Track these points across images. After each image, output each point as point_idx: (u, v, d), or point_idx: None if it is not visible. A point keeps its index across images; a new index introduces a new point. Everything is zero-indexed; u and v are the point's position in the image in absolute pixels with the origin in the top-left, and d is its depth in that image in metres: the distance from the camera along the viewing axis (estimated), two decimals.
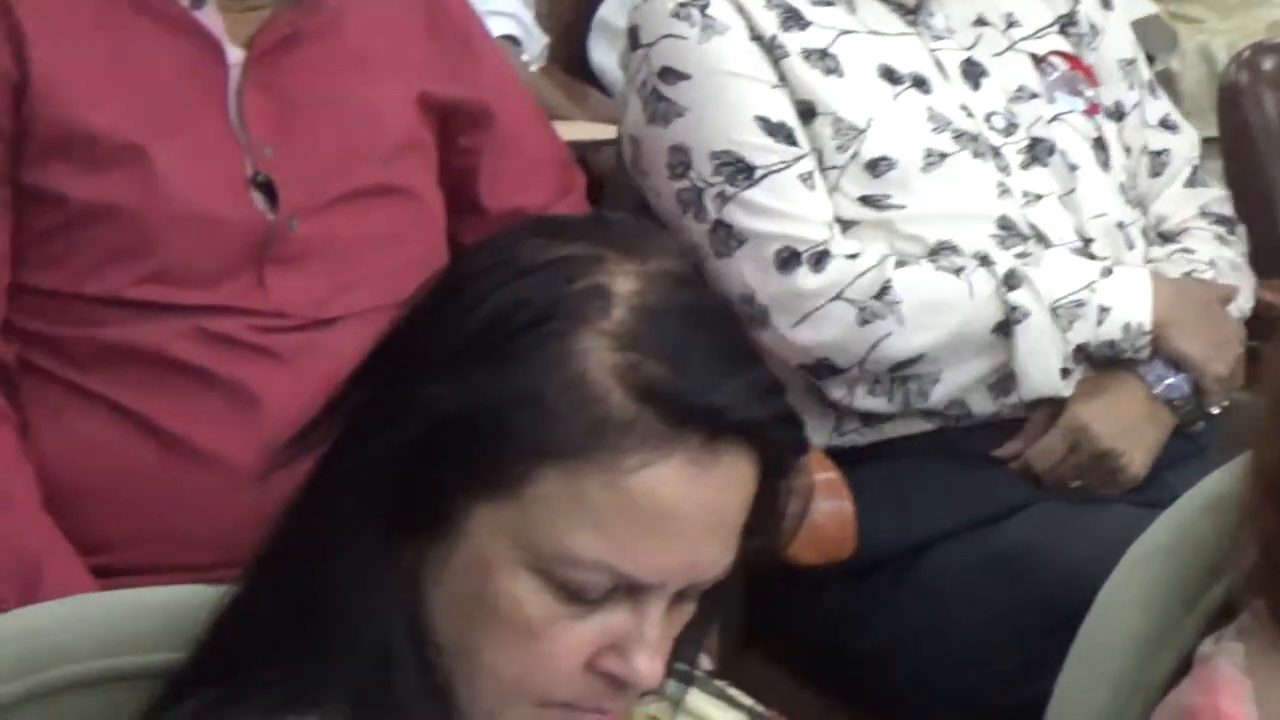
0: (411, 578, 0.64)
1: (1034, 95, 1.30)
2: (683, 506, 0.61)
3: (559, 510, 0.61)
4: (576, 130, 1.43)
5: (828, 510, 1.12)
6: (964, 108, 1.26)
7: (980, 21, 1.33)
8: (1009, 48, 1.33)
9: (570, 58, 1.93)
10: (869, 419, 1.18)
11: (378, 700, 0.64)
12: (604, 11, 1.90)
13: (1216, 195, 1.44)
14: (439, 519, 0.63)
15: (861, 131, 1.22)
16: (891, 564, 1.15)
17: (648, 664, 0.63)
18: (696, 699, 0.75)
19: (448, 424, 0.62)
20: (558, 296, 0.61)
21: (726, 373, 0.61)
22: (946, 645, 1.13)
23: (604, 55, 1.86)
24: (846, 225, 1.23)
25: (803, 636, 1.23)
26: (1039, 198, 1.27)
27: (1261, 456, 0.85)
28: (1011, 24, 1.34)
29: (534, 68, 1.77)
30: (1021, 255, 1.24)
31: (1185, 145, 1.43)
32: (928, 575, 1.15)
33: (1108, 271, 1.24)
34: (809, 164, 1.22)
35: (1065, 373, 1.19)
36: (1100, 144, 1.31)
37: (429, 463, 0.62)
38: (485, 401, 0.61)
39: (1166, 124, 1.43)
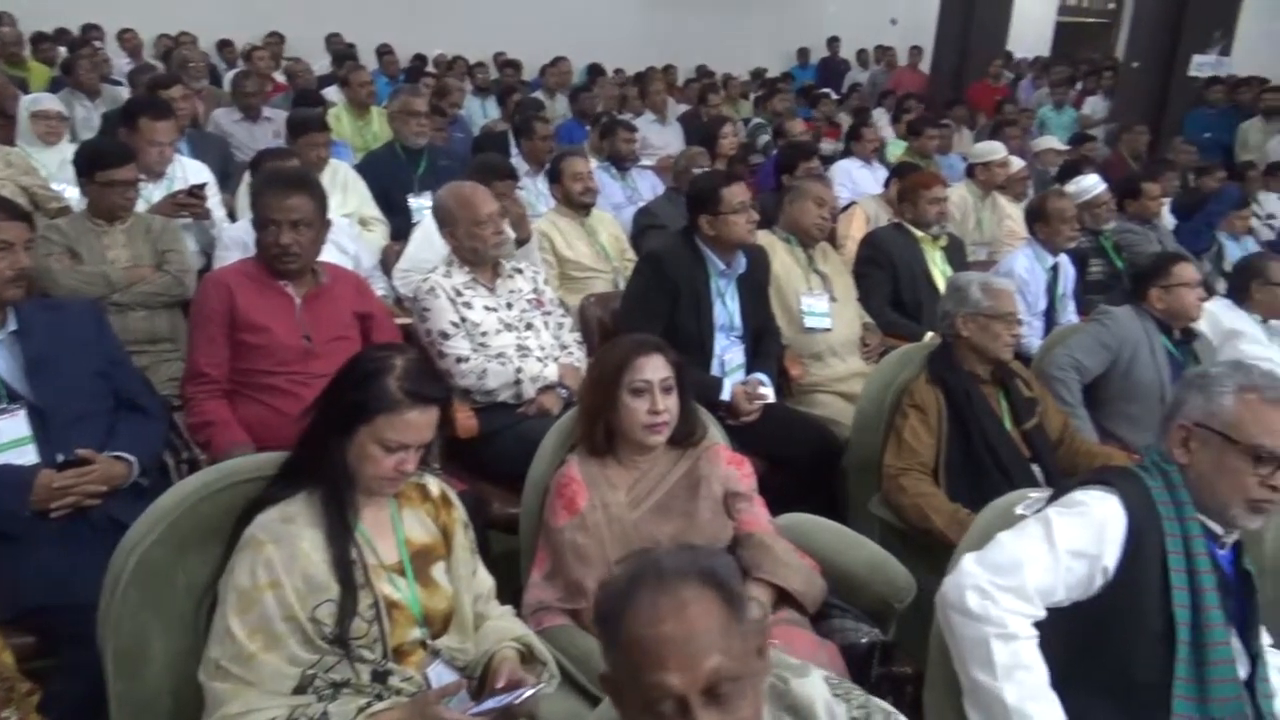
0: (343, 448, 1.77)
1: (527, 310, 3.32)
2: (419, 424, 1.77)
3: (385, 426, 1.74)
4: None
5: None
6: (507, 315, 3.27)
7: (513, 290, 3.32)
8: (521, 299, 3.32)
9: None
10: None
11: (335, 489, 1.75)
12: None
13: (577, 336, 3.48)
14: (348, 431, 1.76)
15: (479, 324, 3.23)
16: None
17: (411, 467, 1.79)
18: None
19: (348, 406, 1.77)
20: (378, 367, 1.77)
21: (427, 384, 1.79)
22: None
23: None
24: (474, 351, 3.21)
25: None
26: (528, 338, 3.31)
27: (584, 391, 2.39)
28: (523, 291, 3.35)
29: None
30: (524, 357, 3.23)
31: (570, 322, 3.54)
32: None
33: (546, 366, 3.26)
34: (464, 334, 3.19)
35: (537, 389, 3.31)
36: (546, 322, 3.38)
37: (346, 416, 1.76)
38: (357, 400, 1.76)
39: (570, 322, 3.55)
